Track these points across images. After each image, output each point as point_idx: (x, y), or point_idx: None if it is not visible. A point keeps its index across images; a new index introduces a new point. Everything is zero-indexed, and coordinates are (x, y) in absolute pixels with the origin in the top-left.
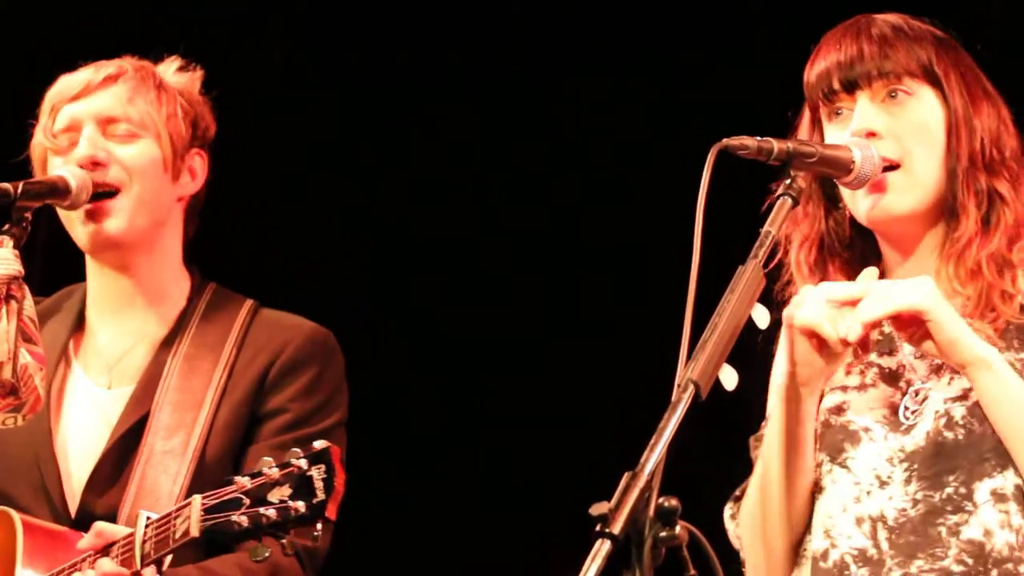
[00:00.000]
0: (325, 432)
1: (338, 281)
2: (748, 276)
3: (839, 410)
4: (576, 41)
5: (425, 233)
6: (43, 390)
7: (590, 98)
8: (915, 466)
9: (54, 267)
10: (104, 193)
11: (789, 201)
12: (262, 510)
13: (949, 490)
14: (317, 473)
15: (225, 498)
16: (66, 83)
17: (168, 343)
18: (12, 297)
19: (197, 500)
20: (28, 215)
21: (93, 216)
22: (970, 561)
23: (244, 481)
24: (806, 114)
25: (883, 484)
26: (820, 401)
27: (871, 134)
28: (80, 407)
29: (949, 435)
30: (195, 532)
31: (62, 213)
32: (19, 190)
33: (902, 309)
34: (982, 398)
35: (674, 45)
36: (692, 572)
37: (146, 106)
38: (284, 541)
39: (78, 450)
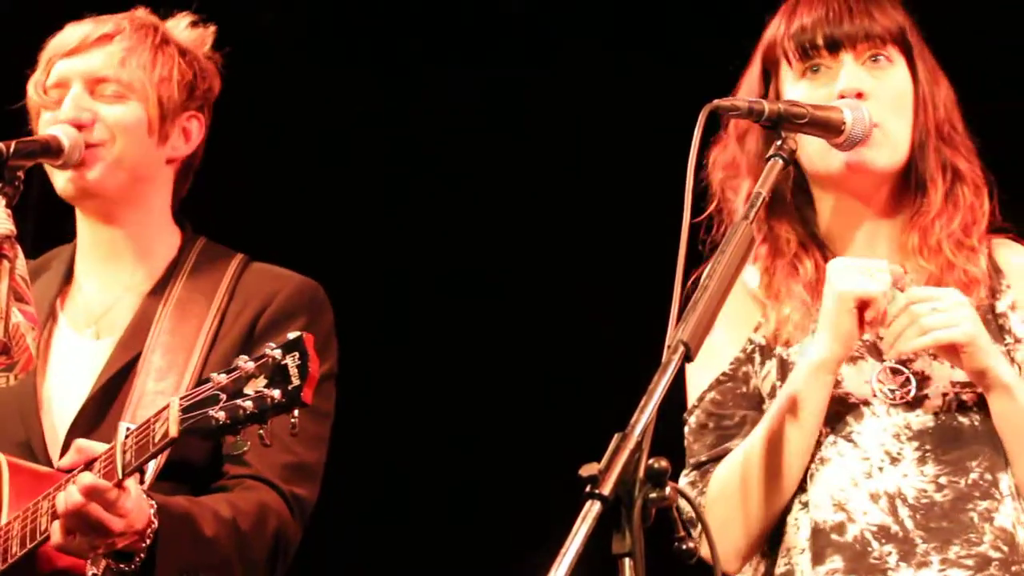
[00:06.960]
0: None
1: (330, 243)
2: (739, 237)
3: (836, 383)
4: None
5: (420, 206)
6: (35, 349)
7: (584, 63)
8: (927, 446)
9: (46, 226)
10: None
11: (780, 162)
12: (239, 402)
13: (974, 475)
14: (291, 361)
15: (202, 396)
16: (64, 36)
17: (157, 293)
18: (4, 256)
19: (175, 401)
20: (20, 174)
21: (76, 164)
22: (1006, 548)
23: (220, 377)
24: (754, 69)
25: (894, 460)
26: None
27: (860, 95)
28: (66, 359)
29: (964, 420)
30: (174, 432)
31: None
32: (11, 149)
33: (945, 342)
34: (996, 417)
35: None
36: (681, 533)
37: (137, 68)
38: (262, 431)
39: (62, 400)
